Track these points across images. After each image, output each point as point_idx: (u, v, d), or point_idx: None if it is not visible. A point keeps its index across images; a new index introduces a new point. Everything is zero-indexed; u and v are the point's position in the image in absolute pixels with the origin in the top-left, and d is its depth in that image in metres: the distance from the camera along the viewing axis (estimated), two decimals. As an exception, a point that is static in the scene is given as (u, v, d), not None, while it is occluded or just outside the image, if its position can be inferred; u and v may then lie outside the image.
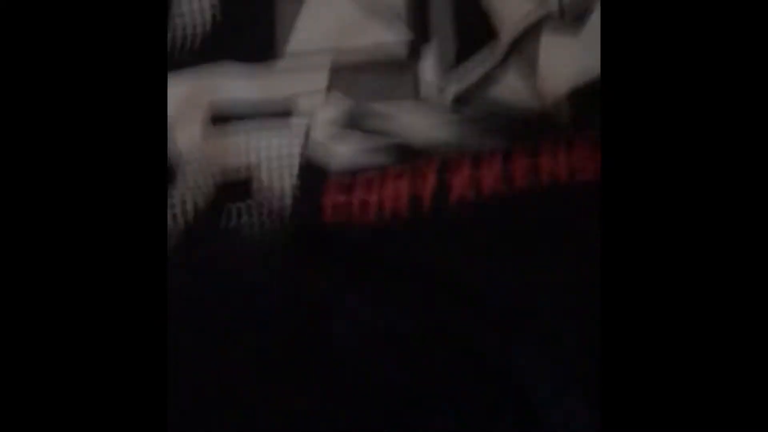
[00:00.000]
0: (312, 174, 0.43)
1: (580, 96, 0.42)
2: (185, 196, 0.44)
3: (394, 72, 0.44)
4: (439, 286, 0.41)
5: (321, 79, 0.45)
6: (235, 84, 0.44)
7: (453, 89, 0.44)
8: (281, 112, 0.44)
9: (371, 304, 0.41)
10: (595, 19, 0.43)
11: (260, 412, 0.37)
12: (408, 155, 0.43)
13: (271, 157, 0.43)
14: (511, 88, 0.44)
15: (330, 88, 0.44)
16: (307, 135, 0.44)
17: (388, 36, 0.45)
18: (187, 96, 0.45)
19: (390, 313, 0.41)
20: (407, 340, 0.41)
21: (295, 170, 0.43)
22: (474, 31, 0.44)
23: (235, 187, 0.43)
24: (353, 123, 0.44)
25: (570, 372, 0.40)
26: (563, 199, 0.42)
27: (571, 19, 0.43)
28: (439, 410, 0.40)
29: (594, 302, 0.40)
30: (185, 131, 0.45)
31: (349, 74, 0.45)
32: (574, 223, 0.41)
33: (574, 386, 0.39)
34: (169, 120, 0.44)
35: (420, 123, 0.44)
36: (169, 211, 0.44)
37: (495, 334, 0.40)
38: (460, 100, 0.44)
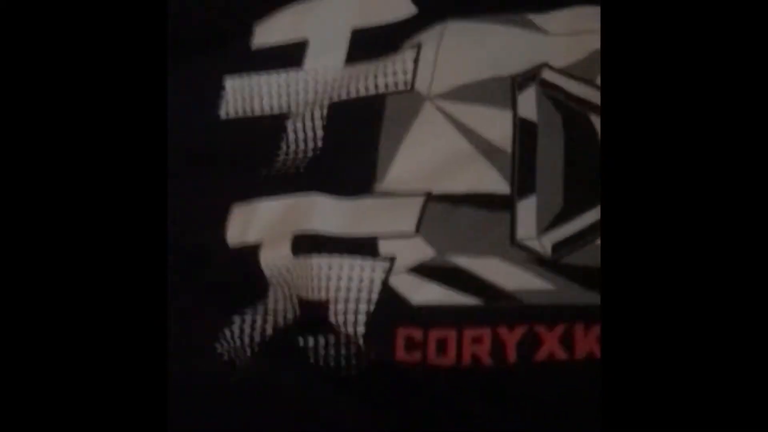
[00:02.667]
0: (388, 307, 0.40)
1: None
2: (266, 319, 0.42)
3: (488, 221, 0.41)
4: None
5: (409, 222, 0.41)
6: (325, 217, 0.42)
7: (553, 238, 0.40)
8: (365, 252, 0.41)
9: None
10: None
11: None
12: (495, 301, 0.40)
13: (351, 290, 0.41)
14: None
15: (417, 232, 0.41)
16: (386, 276, 0.41)
17: (487, 184, 0.41)
18: (279, 219, 0.43)
19: None
20: None
21: (372, 306, 0.40)
22: (583, 180, 0.40)
23: (312, 319, 0.40)
24: (436, 273, 0.40)
25: None
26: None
27: None
28: None
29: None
30: (271, 254, 0.43)
31: (438, 220, 0.41)
32: None
33: None
34: (258, 240, 0.43)
35: (511, 270, 0.40)
36: (238, 334, 0.42)
37: None
38: (559, 249, 0.40)
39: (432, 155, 0.43)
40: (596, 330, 0.38)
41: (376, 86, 0.45)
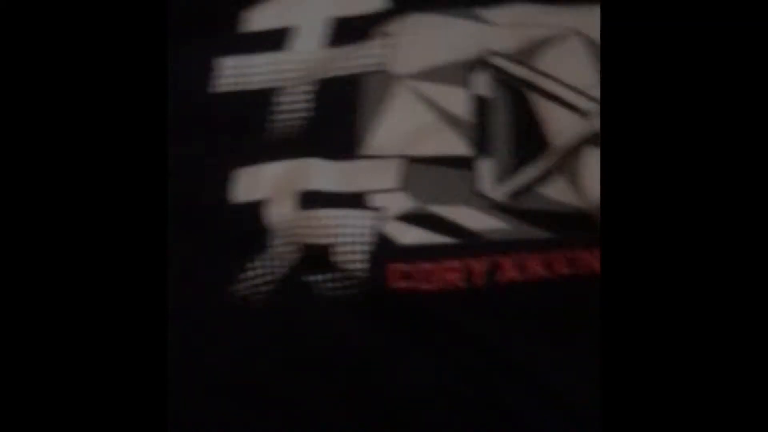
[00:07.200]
0: (381, 248, 0.50)
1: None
2: (272, 264, 0.51)
3: (455, 177, 0.52)
4: (486, 353, 0.48)
5: (392, 180, 0.52)
6: (321, 177, 0.52)
7: (506, 188, 0.52)
8: (358, 204, 0.52)
9: (430, 366, 0.48)
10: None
11: None
12: (464, 239, 0.51)
13: (349, 236, 0.51)
14: (559, 189, 0.51)
15: (400, 188, 0.52)
16: (378, 223, 0.51)
17: (452, 148, 0.53)
18: (282, 180, 0.53)
19: (445, 375, 0.48)
20: (459, 399, 0.48)
21: (368, 247, 0.50)
22: (528, 142, 0.52)
23: (315, 261, 0.50)
24: (416, 219, 0.51)
25: None
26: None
27: None
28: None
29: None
30: (277, 209, 0.52)
31: (415, 178, 0.52)
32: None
33: None
34: (265, 198, 0.52)
35: (475, 215, 0.51)
36: (252, 277, 0.51)
37: (529, 401, 0.47)
38: (513, 196, 0.52)
39: (405, 125, 0.53)
40: (542, 257, 0.50)
41: (354, 67, 0.55)
